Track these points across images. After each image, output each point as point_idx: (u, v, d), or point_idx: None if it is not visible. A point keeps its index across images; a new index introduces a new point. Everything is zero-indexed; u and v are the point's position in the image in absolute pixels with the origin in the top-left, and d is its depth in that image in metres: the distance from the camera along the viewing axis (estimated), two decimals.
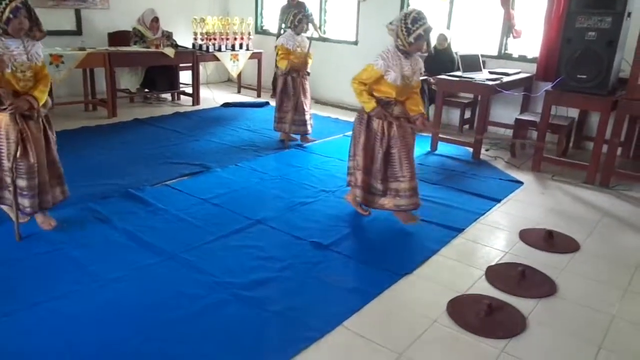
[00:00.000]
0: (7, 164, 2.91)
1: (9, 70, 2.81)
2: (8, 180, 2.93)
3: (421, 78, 5.84)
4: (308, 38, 5.05)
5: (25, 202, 3.00)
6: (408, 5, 6.70)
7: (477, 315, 2.47)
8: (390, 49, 3.18)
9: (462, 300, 2.62)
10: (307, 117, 5.16)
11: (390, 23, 3.17)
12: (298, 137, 5.31)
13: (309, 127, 5.23)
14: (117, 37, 6.74)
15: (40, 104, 2.93)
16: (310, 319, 2.41)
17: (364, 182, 3.37)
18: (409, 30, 3.06)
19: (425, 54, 3.34)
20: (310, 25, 7.42)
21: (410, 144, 3.33)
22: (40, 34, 2.95)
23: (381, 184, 3.32)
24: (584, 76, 4.31)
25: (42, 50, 3.01)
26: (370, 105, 3.22)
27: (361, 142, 3.33)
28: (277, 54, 5.04)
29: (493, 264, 3.00)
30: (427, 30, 3.09)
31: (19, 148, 2.88)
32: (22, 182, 2.96)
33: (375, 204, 3.41)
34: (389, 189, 3.34)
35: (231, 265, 2.85)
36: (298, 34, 4.98)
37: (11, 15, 2.75)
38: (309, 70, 5.16)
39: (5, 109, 2.82)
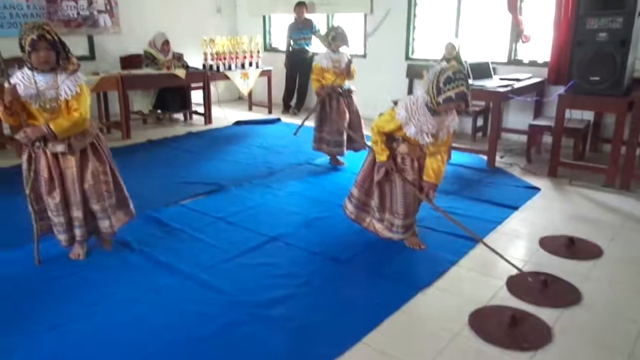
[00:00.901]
0: (45, 198, 2.91)
1: (35, 106, 2.71)
2: (49, 214, 2.96)
3: None
4: (348, 58, 4.80)
5: (60, 236, 3.00)
6: (415, 17, 6.72)
7: (500, 327, 2.41)
8: (418, 100, 2.89)
9: (484, 312, 2.56)
10: (345, 138, 4.85)
11: (428, 70, 2.88)
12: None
13: (344, 149, 4.91)
14: (129, 61, 6.85)
15: (58, 134, 2.71)
16: (330, 336, 2.38)
17: (358, 200, 3.33)
18: (440, 90, 2.73)
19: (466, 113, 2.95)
20: (319, 39, 7.54)
21: (409, 190, 3.13)
22: (72, 66, 2.78)
23: (378, 212, 3.25)
24: (597, 78, 4.25)
25: (76, 83, 2.78)
26: (382, 157, 3.05)
27: (365, 164, 3.30)
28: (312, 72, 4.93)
29: (514, 273, 2.93)
30: (459, 95, 2.69)
31: (47, 184, 2.85)
32: (54, 218, 2.94)
33: (366, 223, 3.35)
34: (385, 219, 3.25)
35: (248, 283, 2.83)
36: (334, 51, 4.78)
37: (30, 49, 2.65)
38: (353, 87, 4.94)
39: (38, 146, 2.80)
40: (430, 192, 3.06)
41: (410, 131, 2.90)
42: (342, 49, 4.79)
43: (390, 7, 6.86)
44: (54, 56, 2.71)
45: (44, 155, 2.83)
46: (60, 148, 2.80)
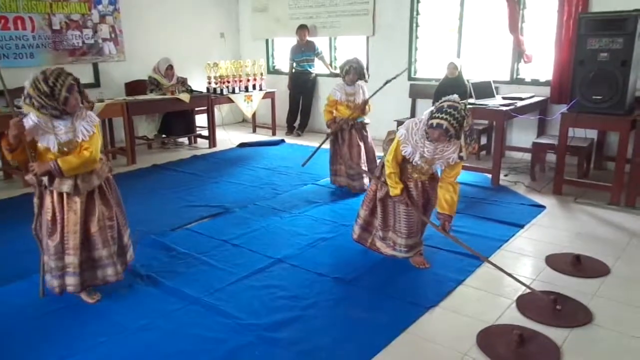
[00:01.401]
0: (45, 240, 2.81)
1: (54, 151, 2.65)
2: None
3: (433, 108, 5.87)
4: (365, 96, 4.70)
5: (53, 282, 2.84)
6: (417, 38, 6.81)
7: (508, 347, 2.39)
8: (420, 122, 2.94)
9: (491, 332, 2.54)
10: (362, 169, 4.70)
11: (434, 99, 2.99)
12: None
13: (365, 181, 4.71)
14: (134, 86, 6.94)
15: (65, 171, 2.64)
16: (338, 358, 2.36)
17: (364, 220, 3.37)
18: (431, 114, 2.80)
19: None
20: (322, 61, 7.63)
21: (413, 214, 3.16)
22: (88, 105, 2.79)
23: (380, 231, 3.29)
24: (599, 97, 4.28)
25: (92, 124, 2.76)
26: (395, 191, 3.06)
27: (372, 184, 3.35)
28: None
29: (522, 292, 2.92)
30: (437, 125, 2.72)
31: (50, 225, 2.77)
32: (50, 262, 2.81)
33: (369, 243, 3.39)
34: (387, 237, 3.28)
35: (255, 306, 2.83)
36: (348, 84, 4.69)
37: (68, 94, 2.59)
38: (367, 120, 4.81)
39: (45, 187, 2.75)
40: (446, 225, 3.06)
41: (406, 150, 2.97)
42: (360, 82, 4.72)
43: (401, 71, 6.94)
44: (80, 98, 2.70)
45: (50, 195, 2.75)
46: (65, 188, 2.70)
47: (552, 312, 2.67)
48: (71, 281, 2.81)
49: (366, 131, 4.84)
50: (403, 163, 3.09)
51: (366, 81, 4.78)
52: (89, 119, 2.76)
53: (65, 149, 2.67)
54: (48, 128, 2.65)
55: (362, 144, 4.76)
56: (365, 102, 4.66)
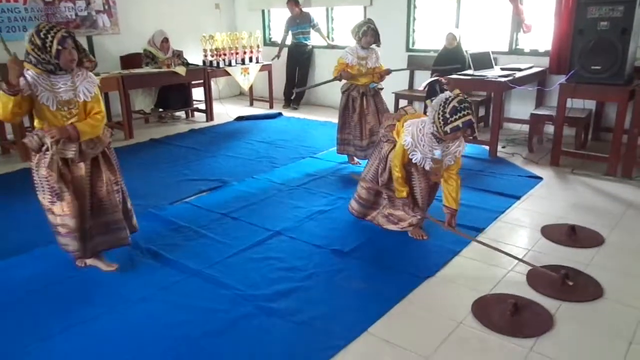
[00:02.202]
0: (52, 206, 2.76)
1: (53, 109, 2.60)
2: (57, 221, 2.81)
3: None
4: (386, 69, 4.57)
5: (70, 246, 2.84)
6: (415, 8, 6.71)
7: (502, 315, 2.44)
8: (424, 128, 2.93)
9: (486, 301, 2.59)
10: (365, 143, 4.55)
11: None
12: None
13: (365, 154, 4.54)
14: (129, 60, 6.86)
15: (82, 137, 2.66)
16: (335, 327, 2.41)
17: (367, 201, 3.43)
18: (446, 120, 2.76)
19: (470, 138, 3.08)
20: (318, 33, 7.54)
21: (424, 186, 3.21)
22: (90, 64, 2.73)
23: (387, 208, 3.36)
24: (599, 67, 4.25)
25: (93, 85, 2.74)
26: (402, 194, 3.13)
27: (372, 169, 3.40)
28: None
29: (513, 267, 2.96)
30: (467, 124, 2.75)
31: (57, 191, 2.71)
32: (60, 228, 2.80)
33: (371, 217, 3.47)
34: (393, 215, 3.36)
35: (254, 278, 2.87)
36: (364, 46, 4.45)
37: (60, 47, 2.53)
38: (381, 85, 4.65)
39: (46, 150, 2.67)
40: (453, 220, 3.13)
41: (416, 157, 2.99)
42: (373, 46, 4.50)
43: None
44: (77, 55, 2.63)
45: (52, 161, 2.68)
46: (70, 154, 2.69)
47: (562, 287, 2.65)
48: (76, 246, 2.82)
49: (380, 97, 4.65)
50: (407, 165, 3.12)
51: (379, 45, 4.55)
52: (90, 79, 2.72)
53: (65, 108, 2.63)
54: (47, 85, 2.59)
55: (376, 112, 4.54)
56: (388, 72, 4.54)
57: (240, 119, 7.00)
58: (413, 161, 3.02)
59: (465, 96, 2.83)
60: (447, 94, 2.84)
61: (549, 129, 5.25)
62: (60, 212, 2.76)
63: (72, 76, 2.66)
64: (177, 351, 2.27)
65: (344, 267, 2.97)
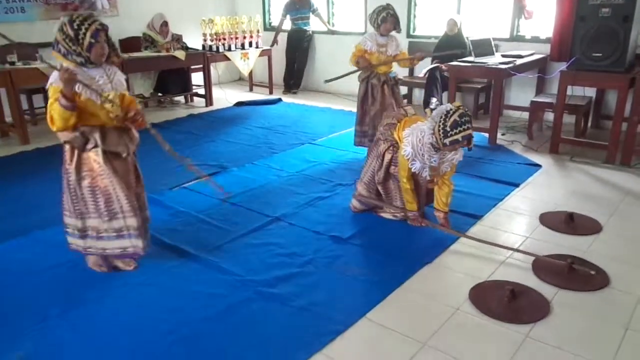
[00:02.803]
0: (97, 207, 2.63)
1: (98, 103, 2.50)
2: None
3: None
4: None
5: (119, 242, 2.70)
6: None
7: (500, 302, 2.46)
8: (424, 138, 2.95)
9: (484, 287, 2.61)
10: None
11: (431, 108, 2.94)
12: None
13: None
14: (128, 44, 6.80)
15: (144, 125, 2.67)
16: (334, 313, 2.43)
17: (368, 198, 3.43)
18: (447, 133, 2.82)
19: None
20: (318, 18, 7.48)
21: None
22: (117, 59, 2.63)
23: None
24: (599, 54, 4.23)
25: (123, 77, 2.67)
26: (413, 206, 3.19)
27: (370, 168, 3.41)
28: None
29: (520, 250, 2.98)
30: (466, 137, 2.83)
31: (101, 188, 2.60)
32: (103, 224, 2.66)
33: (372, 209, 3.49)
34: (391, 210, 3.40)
35: (253, 263, 2.88)
36: (383, 33, 4.29)
37: (92, 40, 2.41)
38: (400, 75, 4.46)
39: (92, 148, 2.54)
40: (445, 221, 3.19)
41: (415, 166, 3.04)
42: (393, 32, 4.34)
43: None
44: (107, 49, 2.52)
45: (95, 156, 2.57)
46: (120, 148, 2.62)
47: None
48: (135, 243, 2.69)
49: (398, 87, 4.55)
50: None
51: (399, 32, 4.42)
52: (119, 73, 2.64)
53: (106, 103, 2.52)
54: (87, 78, 2.46)
55: (393, 102, 4.38)
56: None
57: (239, 104, 6.97)
58: (412, 170, 3.07)
59: (466, 109, 2.87)
60: (449, 106, 2.88)
61: (549, 116, 5.24)
62: (120, 211, 2.64)
63: (105, 70, 2.55)
64: (175, 335, 2.29)
65: (343, 253, 2.98)
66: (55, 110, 2.40)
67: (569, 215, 3.28)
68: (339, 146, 5.03)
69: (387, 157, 3.24)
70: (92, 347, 2.23)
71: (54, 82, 2.42)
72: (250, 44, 7.25)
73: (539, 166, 4.35)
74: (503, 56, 5.30)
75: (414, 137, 3.00)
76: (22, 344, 2.25)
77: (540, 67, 5.58)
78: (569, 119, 4.97)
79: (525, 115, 5.53)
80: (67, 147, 2.61)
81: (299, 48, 7.62)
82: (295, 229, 3.30)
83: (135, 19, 6.87)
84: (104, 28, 2.47)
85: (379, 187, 3.34)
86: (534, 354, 2.16)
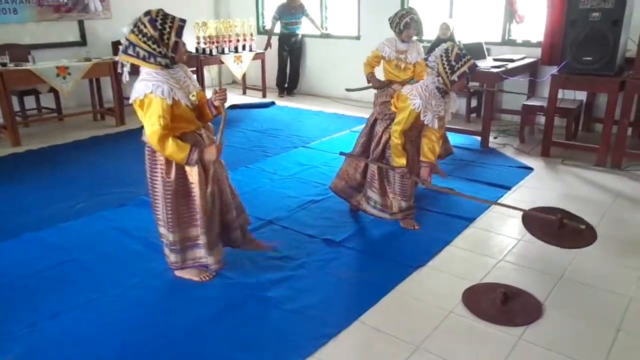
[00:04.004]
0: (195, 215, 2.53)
1: (190, 107, 2.39)
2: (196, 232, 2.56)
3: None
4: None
5: (209, 258, 2.62)
6: None
7: (493, 304, 2.47)
8: (428, 86, 2.96)
9: (477, 290, 2.62)
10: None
11: (426, 59, 2.97)
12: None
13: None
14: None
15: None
16: (327, 316, 2.43)
17: (355, 182, 3.42)
18: (453, 67, 2.84)
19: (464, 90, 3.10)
20: (311, 21, 7.49)
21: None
22: (187, 56, 2.48)
23: (375, 195, 3.32)
24: (590, 58, 4.27)
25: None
26: (402, 160, 3.06)
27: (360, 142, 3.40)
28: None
29: (506, 252, 2.99)
30: (472, 68, 2.87)
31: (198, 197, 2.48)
32: (202, 237, 2.56)
33: (356, 201, 3.43)
34: (378, 202, 3.31)
35: (246, 266, 2.87)
36: (404, 40, 3.97)
37: (177, 39, 2.28)
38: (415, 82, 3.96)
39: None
40: (428, 176, 3.10)
41: (427, 118, 2.98)
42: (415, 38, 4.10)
43: None
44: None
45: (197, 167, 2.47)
46: (220, 156, 2.56)
47: (558, 230, 2.66)
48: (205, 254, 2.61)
49: None
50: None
51: (421, 38, 4.16)
52: (189, 70, 2.50)
53: (190, 105, 2.40)
54: (175, 83, 2.32)
55: None
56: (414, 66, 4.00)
57: (233, 107, 6.96)
58: (425, 122, 2.98)
59: (462, 46, 2.91)
60: (443, 46, 2.91)
61: (541, 119, 5.28)
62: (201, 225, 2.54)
63: (182, 68, 2.43)
64: (167, 338, 2.28)
65: (336, 257, 2.98)
66: (171, 148, 2.30)
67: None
68: (332, 149, 5.03)
69: (385, 137, 3.21)
70: (83, 350, 2.22)
71: (154, 94, 2.24)
72: (244, 47, 7.25)
73: (530, 169, 4.38)
74: (495, 60, 5.33)
75: (419, 89, 2.98)
76: (11, 347, 2.23)
77: (531, 70, 5.61)
78: (560, 122, 5.01)
79: (517, 118, 5.57)
80: (162, 159, 2.44)
81: (292, 51, 7.63)
82: (288, 232, 3.29)
83: (128, 21, 6.82)
84: (184, 24, 2.31)
85: (370, 165, 3.27)
86: (527, 356, 2.16)
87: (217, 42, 6.97)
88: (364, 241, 3.18)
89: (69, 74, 5.42)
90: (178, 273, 2.72)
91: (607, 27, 4.16)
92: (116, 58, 2.32)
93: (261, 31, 8.33)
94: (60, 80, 5.34)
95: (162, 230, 2.59)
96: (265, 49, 7.59)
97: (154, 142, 2.31)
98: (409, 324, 2.37)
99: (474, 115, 6.19)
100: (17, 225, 3.35)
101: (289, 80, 7.83)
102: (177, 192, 2.47)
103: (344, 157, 3.44)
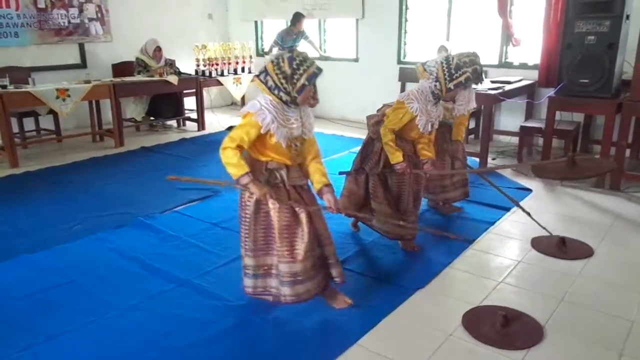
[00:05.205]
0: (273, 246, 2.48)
1: (284, 146, 2.36)
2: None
3: None
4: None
5: (298, 287, 2.48)
6: (406, 21, 6.78)
7: (493, 327, 2.44)
8: (424, 91, 3.00)
9: (477, 313, 2.59)
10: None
11: (425, 64, 3.06)
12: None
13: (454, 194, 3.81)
14: (121, 68, 6.85)
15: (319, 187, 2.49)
16: (326, 339, 2.41)
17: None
18: (452, 75, 2.91)
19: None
20: (311, 45, 7.57)
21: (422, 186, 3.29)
22: (315, 102, 2.51)
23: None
24: (586, 80, 4.31)
25: (313, 119, 2.52)
26: (396, 157, 3.03)
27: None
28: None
29: (506, 274, 2.97)
30: (469, 79, 2.97)
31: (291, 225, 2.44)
32: (286, 267, 2.45)
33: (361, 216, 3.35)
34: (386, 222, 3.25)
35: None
36: (447, 99, 3.31)
37: (307, 83, 2.29)
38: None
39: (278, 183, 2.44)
40: (431, 167, 3.15)
41: (421, 122, 3.01)
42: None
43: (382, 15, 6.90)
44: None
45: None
46: (302, 180, 2.51)
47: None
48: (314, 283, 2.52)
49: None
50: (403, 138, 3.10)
51: (478, 84, 3.72)
52: (311, 116, 2.51)
53: (293, 145, 2.40)
54: (282, 120, 2.34)
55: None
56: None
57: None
58: (419, 127, 3.01)
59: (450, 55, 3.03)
60: (443, 54, 2.95)
61: (539, 140, 5.30)
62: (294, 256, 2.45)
63: (300, 111, 2.43)
64: None
65: None
66: (228, 159, 2.41)
67: (561, 239, 3.29)
68: (332, 170, 5.00)
69: (384, 154, 3.18)
70: None
71: (255, 117, 2.31)
72: (243, 69, 7.31)
73: (529, 190, 4.37)
74: (492, 82, 5.38)
75: (415, 93, 3.01)
76: None
77: (528, 92, 5.66)
78: (558, 144, 5.03)
79: (515, 139, 5.59)
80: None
81: None
82: None
83: (128, 44, 6.93)
84: (320, 73, 2.35)
85: (370, 179, 3.26)
86: None
87: (217, 64, 7.03)
88: (364, 263, 3.16)
89: (69, 96, 5.45)
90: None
91: (602, 50, 4.21)
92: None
93: (260, 53, 8.41)
94: (60, 102, 5.37)
95: (241, 251, 2.58)
96: None
97: (221, 147, 2.42)
98: (408, 347, 2.34)
99: (471, 136, 6.22)
100: (14, 247, 3.32)
101: None
102: (255, 217, 2.48)
103: (344, 175, 3.44)
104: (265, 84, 2.35)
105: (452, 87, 2.94)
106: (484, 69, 5.66)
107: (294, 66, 2.29)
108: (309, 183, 2.56)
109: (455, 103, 3.47)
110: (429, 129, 3.06)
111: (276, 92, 2.33)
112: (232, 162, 2.39)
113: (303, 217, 2.45)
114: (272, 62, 2.35)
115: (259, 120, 2.31)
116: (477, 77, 3.37)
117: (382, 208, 3.24)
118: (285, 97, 2.33)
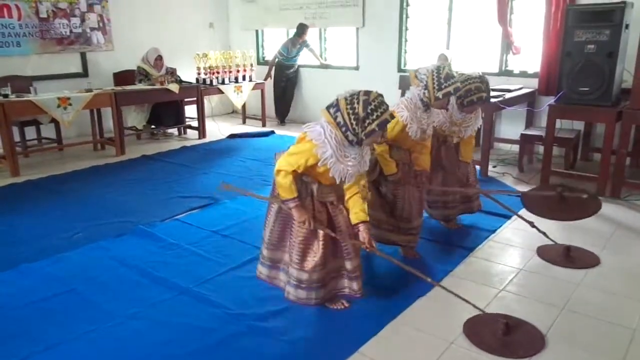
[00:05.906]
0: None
1: (337, 182, 2.41)
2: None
3: None
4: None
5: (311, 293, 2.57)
6: (406, 29, 6.81)
7: (494, 335, 2.43)
8: (412, 98, 3.01)
9: (478, 320, 2.58)
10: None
11: (417, 71, 3.01)
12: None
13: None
14: (122, 77, 6.88)
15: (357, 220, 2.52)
16: (327, 347, 2.39)
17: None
18: (440, 85, 2.91)
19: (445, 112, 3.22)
20: (312, 53, 7.61)
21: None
22: (382, 140, 2.54)
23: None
24: (586, 88, 4.32)
25: (368, 160, 2.53)
26: (390, 168, 3.05)
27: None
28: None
29: (507, 281, 2.96)
30: (456, 90, 3.00)
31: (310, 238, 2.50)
32: (307, 275, 2.53)
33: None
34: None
35: (244, 296, 2.84)
36: (462, 111, 3.36)
37: (377, 129, 2.28)
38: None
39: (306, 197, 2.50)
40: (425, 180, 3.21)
41: (412, 129, 2.99)
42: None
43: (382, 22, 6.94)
44: None
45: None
46: (331, 197, 2.53)
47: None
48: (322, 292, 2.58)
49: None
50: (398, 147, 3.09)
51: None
52: (368, 154, 2.51)
53: (344, 179, 2.42)
54: (341, 156, 2.34)
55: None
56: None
57: (232, 136, 7.01)
58: (410, 134, 2.98)
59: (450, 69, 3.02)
60: (435, 64, 2.99)
61: (539, 148, 5.30)
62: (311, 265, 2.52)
63: (361, 150, 2.42)
64: None
65: None
66: (283, 181, 2.41)
67: (566, 248, 3.28)
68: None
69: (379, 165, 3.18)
70: None
71: (315, 149, 2.33)
72: (244, 78, 7.34)
73: None
74: (492, 90, 5.39)
75: (405, 102, 3.02)
76: None
77: (529, 100, 5.67)
78: (558, 152, 5.03)
79: (516, 147, 5.59)
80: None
81: (289, 80, 7.74)
82: None
83: (129, 53, 6.96)
84: (391, 120, 2.35)
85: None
86: None
87: (218, 72, 7.06)
88: (364, 271, 3.13)
89: (70, 104, 5.47)
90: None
91: (602, 58, 4.22)
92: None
93: (261, 62, 8.45)
94: (62, 111, 5.39)
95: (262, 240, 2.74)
96: (266, 79, 7.69)
97: (277, 168, 2.45)
98: (409, 355, 2.33)
99: None
100: (14, 255, 3.32)
101: (282, 109, 7.90)
102: (277, 215, 2.63)
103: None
104: (335, 119, 2.32)
105: (441, 97, 2.92)
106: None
107: (368, 110, 2.27)
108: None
109: (461, 126, 3.41)
110: (420, 135, 3.04)
111: (344, 129, 2.31)
112: (284, 185, 2.43)
113: (321, 234, 2.50)
114: (346, 99, 2.31)
115: (319, 153, 2.33)
116: (483, 103, 3.30)
117: (377, 215, 3.25)
118: (351, 138, 2.31)
